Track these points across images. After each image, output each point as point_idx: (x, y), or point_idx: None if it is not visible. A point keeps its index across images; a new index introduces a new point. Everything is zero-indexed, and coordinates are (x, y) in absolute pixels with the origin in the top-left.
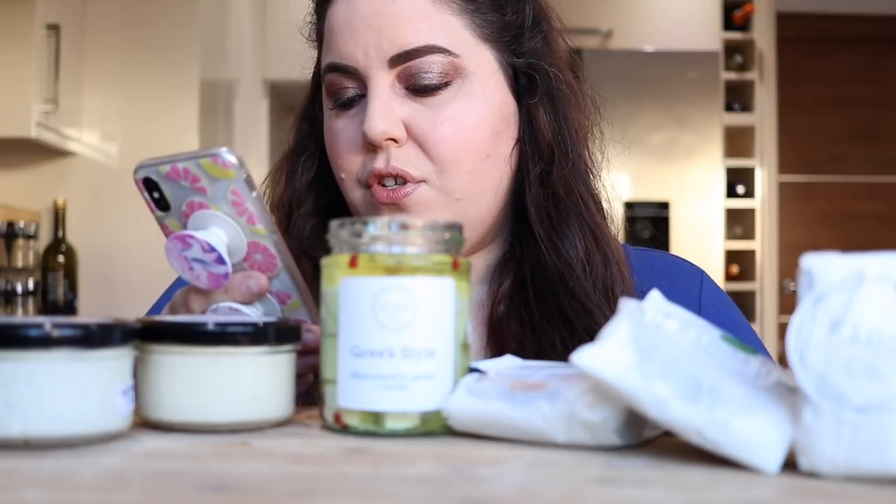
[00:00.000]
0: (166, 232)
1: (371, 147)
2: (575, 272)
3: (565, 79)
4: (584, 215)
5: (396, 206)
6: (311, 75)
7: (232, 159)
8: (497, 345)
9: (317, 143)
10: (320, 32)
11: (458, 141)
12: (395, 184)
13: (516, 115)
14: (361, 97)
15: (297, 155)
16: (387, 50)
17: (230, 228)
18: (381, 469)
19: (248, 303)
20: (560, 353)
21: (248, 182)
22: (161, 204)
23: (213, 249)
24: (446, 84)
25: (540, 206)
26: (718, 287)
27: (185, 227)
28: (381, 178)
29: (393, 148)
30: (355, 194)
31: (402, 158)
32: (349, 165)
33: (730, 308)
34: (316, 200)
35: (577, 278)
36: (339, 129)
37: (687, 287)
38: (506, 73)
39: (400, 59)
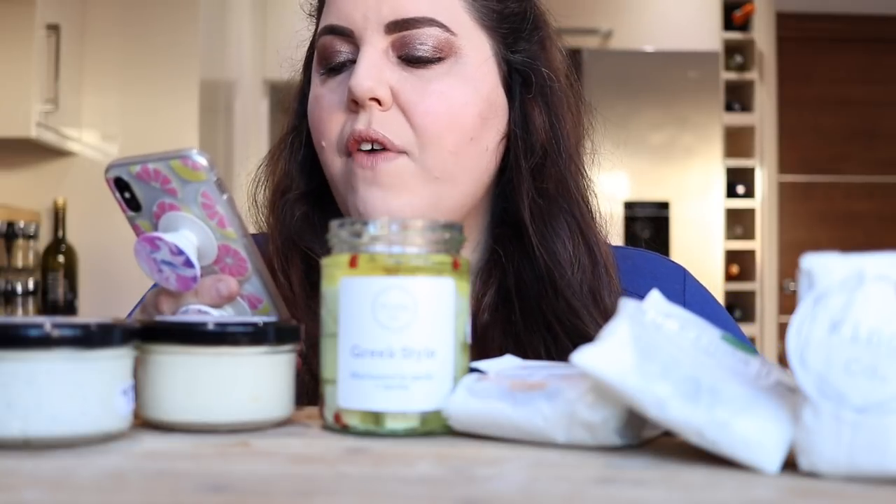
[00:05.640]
0: (137, 232)
1: (354, 107)
2: (564, 270)
3: (560, 83)
4: (574, 215)
5: (373, 176)
6: (305, 55)
7: (202, 161)
8: (480, 354)
9: (305, 122)
10: (320, 4)
11: (443, 116)
12: (372, 149)
13: (505, 109)
14: (353, 63)
15: (287, 135)
16: (385, 14)
17: (200, 231)
18: (381, 469)
19: (218, 306)
20: (543, 359)
21: (219, 185)
22: (132, 204)
23: (181, 252)
24: (439, 59)
25: (533, 201)
26: (702, 285)
27: (156, 227)
28: (360, 143)
29: (377, 111)
30: (335, 165)
31: (385, 123)
32: (329, 130)
33: (714, 305)
34: (306, 183)
35: (566, 278)
36: (324, 93)
37: (671, 285)
38: (499, 66)
39: (397, 27)
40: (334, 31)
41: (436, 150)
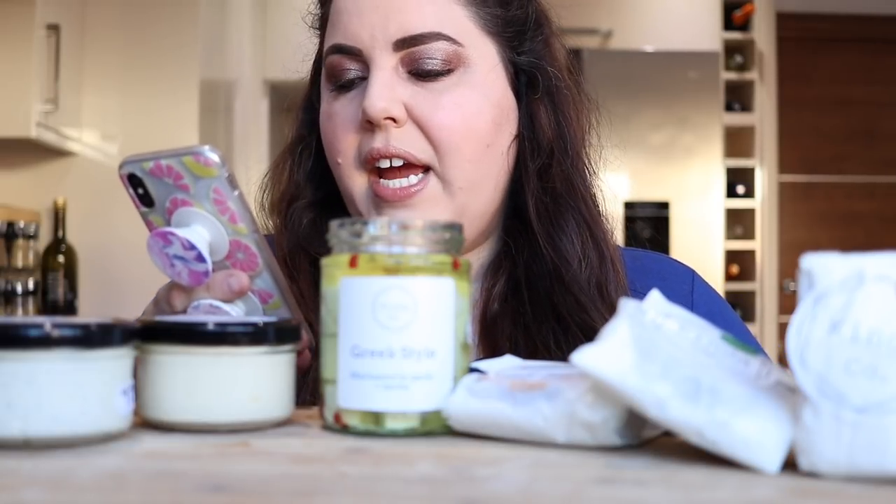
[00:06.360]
0: (150, 228)
1: (369, 126)
2: (571, 267)
3: (565, 81)
4: (581, 211)
5: (402, 203)
6: (311, 68)
7: (214, 157)
8: (490, 344)
9: (314, 133)
10: (324, 19)
11: (459, 126)
12: (391, 165)
13: (515, 112)
14: (362, 80)
15: (295, 146)
16: (393, 32)
17: (212, 226)
18: (381, 469)
19: (229, 301)
20: (553, 351)
21: (230, 181)
22: (145, 200)
23: (193, 247)
24: (449, 71)
25: (539, 200)
26: (710, 286)
27: (168, 223)
28: (377, 160)
29: (392, 128)
30: (353, 182)
31: (403, 139)
32: (346, 147)
33: (722, 307)
34: (314, 192)
35: (572, 273)
36: (337, 110)
37: (679, 286)
38: (507, 69)
39: (405, 44)
40: (342, 50)
41: (454, 160)
